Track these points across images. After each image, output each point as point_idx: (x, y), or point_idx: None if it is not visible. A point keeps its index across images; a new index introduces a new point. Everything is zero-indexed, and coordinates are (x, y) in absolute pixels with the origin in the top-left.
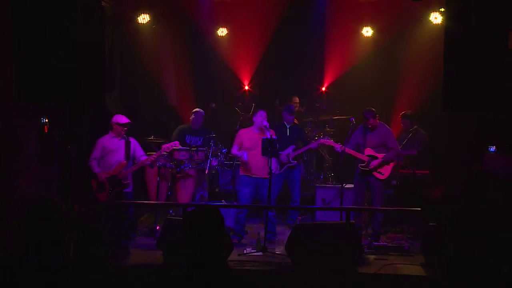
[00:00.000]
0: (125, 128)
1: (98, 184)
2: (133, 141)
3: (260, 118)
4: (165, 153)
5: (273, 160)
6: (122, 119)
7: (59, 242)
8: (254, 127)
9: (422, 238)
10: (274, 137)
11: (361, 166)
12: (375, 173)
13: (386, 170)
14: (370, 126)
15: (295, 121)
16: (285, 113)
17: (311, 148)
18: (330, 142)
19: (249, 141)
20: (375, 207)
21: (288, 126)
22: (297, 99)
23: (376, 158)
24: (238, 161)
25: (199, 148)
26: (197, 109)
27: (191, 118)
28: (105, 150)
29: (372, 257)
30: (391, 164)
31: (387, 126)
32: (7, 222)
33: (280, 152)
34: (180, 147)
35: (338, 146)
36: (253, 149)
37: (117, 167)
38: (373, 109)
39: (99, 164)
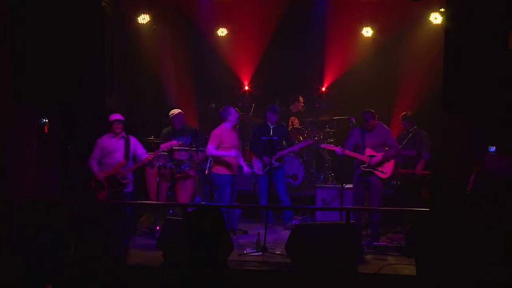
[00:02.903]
0: (119, 124)
1: (97, 183)
2: (133, 139)
3: (235, 115)
4: (163, 152)
5: (257, 161)
6: (113, 116)
7: (59, 242)
8: (226, 125)
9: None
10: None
11: (363, 167)
12: (377, 172)
13: (388, 169)
14: (369, 127)
15: (296, 121)
16: (268, 113)
17: (294, 150)
18: (330, 146)
19: (228, 139)
20: (372, 207)
21: (271, 127)
22: (301, 99)
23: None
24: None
25: (199, 148)
26: (173, 111)
27: (172, 121)
28: (104, 150)
29: (372, 257)
30: (392, 162)
31: (385, 126)
32: (7, 222)
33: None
34: (179, 147)
35: (339, 150)
36: (231, 147)
37: (116, 166)
38: (373, 110)
39: (99, 164)
